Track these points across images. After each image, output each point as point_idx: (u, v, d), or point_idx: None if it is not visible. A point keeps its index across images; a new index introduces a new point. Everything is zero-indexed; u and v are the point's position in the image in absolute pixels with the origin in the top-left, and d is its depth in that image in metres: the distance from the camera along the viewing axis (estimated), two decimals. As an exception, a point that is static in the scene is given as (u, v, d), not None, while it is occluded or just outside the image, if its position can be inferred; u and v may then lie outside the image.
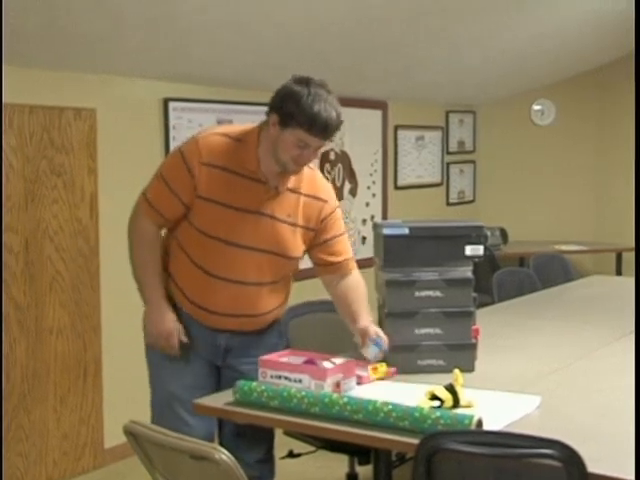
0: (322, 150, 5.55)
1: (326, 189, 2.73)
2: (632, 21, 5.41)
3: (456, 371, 2.42)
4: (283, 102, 2.46)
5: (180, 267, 2.62)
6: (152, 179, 2.63)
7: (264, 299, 2.65)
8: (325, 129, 2.45)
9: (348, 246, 2.78)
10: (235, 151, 2.53)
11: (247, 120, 4.90)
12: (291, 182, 2.60)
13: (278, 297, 2.71)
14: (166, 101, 4.46)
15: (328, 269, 2.75)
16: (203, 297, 2.60)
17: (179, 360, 2.62)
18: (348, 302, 2.72)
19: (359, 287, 2.75)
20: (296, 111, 2.43)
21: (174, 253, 2.63)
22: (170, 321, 2.59)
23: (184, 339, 2.60)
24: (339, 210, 2.76)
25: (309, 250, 2.73)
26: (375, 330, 2.63)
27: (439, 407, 2.27)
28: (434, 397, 2.31)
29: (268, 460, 2.75)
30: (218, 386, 2.68)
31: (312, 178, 2.67)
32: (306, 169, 2.62)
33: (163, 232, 2.68)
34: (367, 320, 2.67)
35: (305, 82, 2.47)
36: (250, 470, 2.06)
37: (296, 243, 2.65)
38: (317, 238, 2.70)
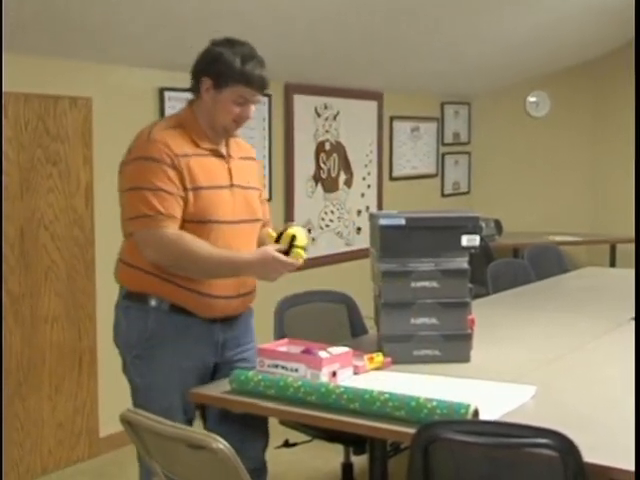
0: (319, 139, 5.58)
1: (251, 147, 2.83)
2: (628, 12, 5.41)
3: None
4: (213, 64, 2.53)
5: None
6: (133, 202, 2.47)
7: None
8: (262, 80, 2.55)
9: None
10: (185, 136, 2.55)
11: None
12: (232, 150, 2.66)
13: None
14: (162, 90, 4.45)
15: (262, 225, 2.77)
16: (210, 283, 2.54)
17: (177, 369, 2.57)
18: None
19: None
20: (231, 68, 2.50)
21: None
22: (266, 253, 2.51)
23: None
24: None
25: None
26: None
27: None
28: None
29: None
30: None
31: (237, 141, 2.72)
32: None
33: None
34: None
35: (227, 42, 2.56)
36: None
37: (260, 206, 2.73)
38: (260, 196, 2.76)
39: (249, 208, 2.65)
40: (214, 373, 2.66)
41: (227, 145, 2.65)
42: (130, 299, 2.58)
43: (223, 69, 2.51)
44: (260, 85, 2.56)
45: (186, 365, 2.57)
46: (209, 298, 2.56)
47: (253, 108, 2.60)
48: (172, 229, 2.46)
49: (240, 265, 2.54)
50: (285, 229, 2.60)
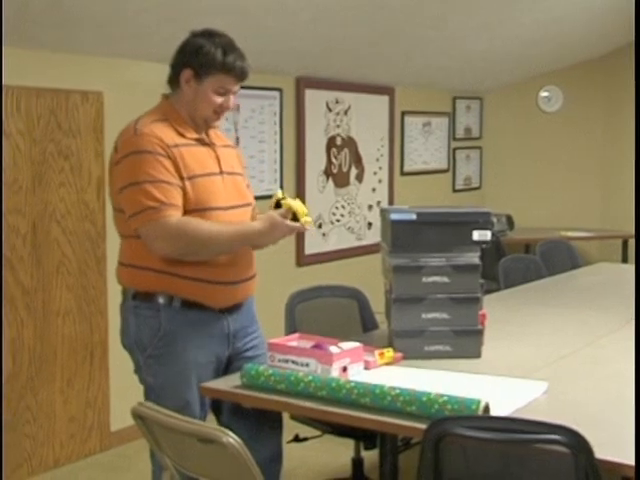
0: (331, 134, 5.57)
1: (227, 137, 2.86)
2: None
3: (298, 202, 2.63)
4: (195, 55, 2.55)
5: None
6: (134, 197, 2.44)
7: (253, 256, 2.70)
8: (243, 70, 2.58)
9: None
10: (170, 128, 2.55)
11: (255, 104, 4.94)
12: (212, 139, 2.67)
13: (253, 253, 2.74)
14: (173, 85, 4.45)
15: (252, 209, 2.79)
16: (216, 270, 2.54)
17: (193, 365, 2.56)
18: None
19: None
20: (213, 59, 2.52)
21: None
22: (274, 219, 2.54)
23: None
24: None
25: None
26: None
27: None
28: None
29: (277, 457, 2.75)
30: None
31: (214, 131, 2.72)
32: None
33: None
34: None
35: (207, 34, 2.59)
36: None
37: (248, 190, 2.75)
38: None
39: (239, 193, 2.67)
40: (227, 366, 2.67)
41: (207, 135, 2.66)
42: (139, 299, 2.56)
43: (204, 60, 2.53)
44: (241, 74, 2.58)
45: (202, 360, 2.57)
46: (217, 285, 2.55)
47: (233, 98, 2.61)
48: (176, 218, 2.45)
49: (251, 236, 2.56)
50: (279, 199, 2.63)
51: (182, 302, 2.54)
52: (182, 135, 2.56)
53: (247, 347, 2.69)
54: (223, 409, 2.69)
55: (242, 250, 2.61)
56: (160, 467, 2.31)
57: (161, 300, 2.53)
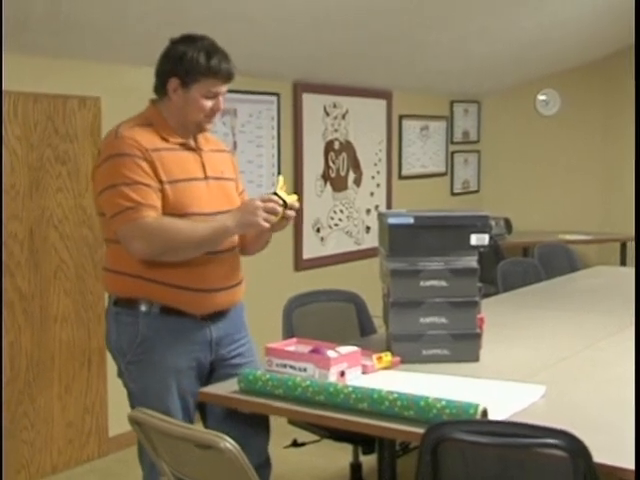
0: (328, 138, 5.56)
1: (220, 141, 2.84)
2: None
3: (280, 177, 2.56)
4: (179, 62, 2.52)
5: (155, 261, 2.50)
6: (112, 199, 2.44)
7: (238, 263, 2.68)
8: (229, 72, 2.55)
9: None
10: (153, 133, 2.54)
11: (252, 109, 4.94)
12: (200, 144, 2.65)
13: (240, 260, 2.71)
14: (170, 90, 4.45)
15: None
16: (194, 277, 2.52)
17: (172, 372, 2.54)
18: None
19: None
20: (198, 64, 2.50)
21: None
22: (246, 204, 2.52)
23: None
24: None
25: None
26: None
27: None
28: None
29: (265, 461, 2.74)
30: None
31: (205, 135, 2.70)
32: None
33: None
34: None
35: (187, 39, 2.56)
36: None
37: (237, 196, 2.71)
38: (237, 188, 2.75)
39: (226, 199, 2.63)
40: (211, 372, 2.64)
41: (195, 140, 2.64)
42: (120, 305, 2.56)
43: (189, 67, 2.51)
44: (227, 76, 2.55)
45: (181, 366, 2.55)
46: (201, 293, 2.53)
47: (222, 100, 2.60)
48: (153, 217, 2.44)
49: (224, 221, 2.49)
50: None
51: (161, 308, 2.52)
52: (165, 140, 2.55)
53: (233, 354, 2.66)
54: (208, 415, 2.67)
55: (226, 257, 2.59)
56: (150, 470, 2.31)
57: (143, 307, 2.52)
